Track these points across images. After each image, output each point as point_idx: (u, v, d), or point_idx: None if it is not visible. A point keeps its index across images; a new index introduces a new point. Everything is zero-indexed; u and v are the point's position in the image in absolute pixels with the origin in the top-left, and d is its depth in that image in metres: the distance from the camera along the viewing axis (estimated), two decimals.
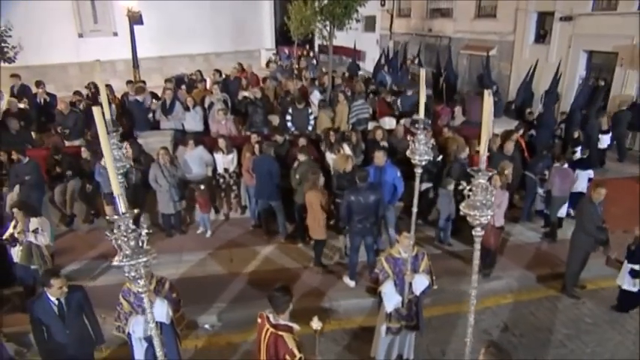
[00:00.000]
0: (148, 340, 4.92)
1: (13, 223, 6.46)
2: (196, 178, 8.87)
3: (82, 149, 9.04)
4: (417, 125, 4.14)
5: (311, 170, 7.50)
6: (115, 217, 2.60)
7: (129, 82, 12.73)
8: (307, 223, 7.61)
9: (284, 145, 8.93)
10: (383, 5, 25.44)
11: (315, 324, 3.90)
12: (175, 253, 8.26)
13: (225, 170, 9.03)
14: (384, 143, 8.91)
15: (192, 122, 10.24)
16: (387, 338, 5.56)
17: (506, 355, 3.71)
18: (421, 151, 4.18)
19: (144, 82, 13.17)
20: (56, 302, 4.71)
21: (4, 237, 6.48)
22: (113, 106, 10.92)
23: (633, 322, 6.78)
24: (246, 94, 11.37)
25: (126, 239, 2.60)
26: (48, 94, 11.53)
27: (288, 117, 10.12)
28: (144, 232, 2.65)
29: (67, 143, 9.92)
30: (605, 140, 12.09)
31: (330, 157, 8.74)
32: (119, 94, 11.99)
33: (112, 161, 2.61)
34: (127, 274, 2.68)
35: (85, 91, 12.26)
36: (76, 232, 9.16)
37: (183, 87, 12.25)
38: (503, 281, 7.72)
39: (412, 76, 16.64)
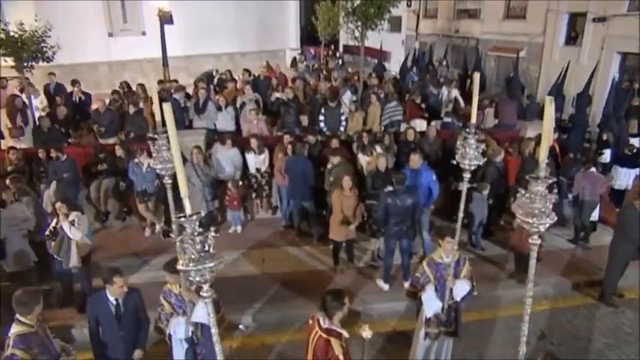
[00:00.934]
0: (189, 340, 4.97)
1: (55, 220, 6.56)
2: (228, 178, 8.93)
3: (117, 147, 9.15)
4: (467, 130, 4.08)
5: (347, 172, 7.49)
6: (182, 219, 2.49)
7: (160, 81, 12.86)
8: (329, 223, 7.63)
9: (316, 146, 8.93)
10: (409, 6, 25.23)
11: (365, 332, 3.87)
12: None
13: (257, 170, 9.06)
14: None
15: (224, 122, 10.31)
16: (425, 343, 5.52)
17: None
18: (471, 156, 4.12)
19: (175, 80, 13.29)
20: (114, 302, 4.70)
21: (45, 233, 6.60)
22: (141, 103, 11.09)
23: None
24: (278, 94, 11.41)
25: (192, 242, 2.48)
26: (83, 92, 11.72)
27: (321, 117, 10.11)
28: (211, 234, 2.53)
29: (101, 141, 10.05)
30: (635, 143, 11.82)
31: (362, 158, 8.70)
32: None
33: (181, 163, 2.57)
34: (191, 279, 2.55)
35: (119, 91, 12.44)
36: (109, 229, 9.29)
37: (211, 86, 12.35)
38: (538, 288, 7.55)
39: (440, 78, 16.45)
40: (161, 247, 8.41)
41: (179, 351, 5.01)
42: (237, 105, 10.89)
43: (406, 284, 7.33)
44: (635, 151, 9.59)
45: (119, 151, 9.06)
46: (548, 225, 2.81)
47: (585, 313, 7.15)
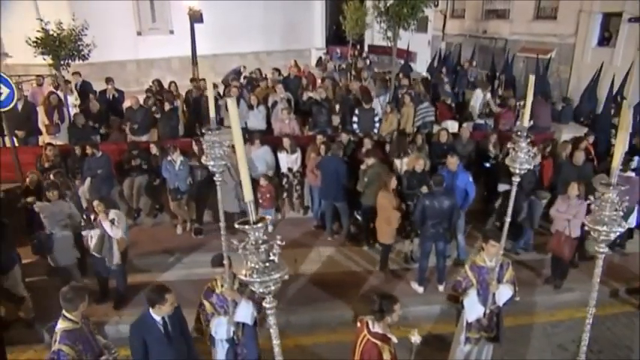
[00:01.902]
0: (229, 341, 4.94)
1: (92, 216, 6.65)
2: (260, 177, 8.92)
3: (151, 145, 9.23)
4: (519, 133, 4.02)
5: (384, 173, 7.43)
6: (246, 226, 2.25)
7: (192, 79, 12.96)
8: (376, 226, 7.54)
9: (349, 146, 8.89)
10: (436, 6, 24.96)
11: (414, 337, 3.83)
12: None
13: (289, 170, 9.05)
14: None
15: (255, 121, 10.33)
16: (465, 348, 5.45)
17: None
18: (522, 160, 4.06)
19: (204, 79, 13.35)
20: (161, 321, 4.36)
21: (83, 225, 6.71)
22: (178, 101, 11.20)
23: None
24: (311, 94, 11.40)
25: (256, 251, 2.26)
26: (116, 90, 11.85)
27: (355, 118, 10.06)
28: (277, 243, 2.29)
29: (134, 139, 10.15)
30: None
31: (397, 159, 8.63)
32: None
33: (245, 164, 2.44)
34: (255, 289, 2.35)
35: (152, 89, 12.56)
36: (140, 226, 9.37)
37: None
38: (576, 293, 7.43)
39: (470, 79, 16.28)
40: (192, 245, 8.49)
41: (220, 351, 4.99)
42: (269, 104, 10.90)
43: (441, 287, 7.28)
44: None
45: (154, 149, 9.14)
46: (618, 233, 2.74)
47: (625, 322, 6.99)
